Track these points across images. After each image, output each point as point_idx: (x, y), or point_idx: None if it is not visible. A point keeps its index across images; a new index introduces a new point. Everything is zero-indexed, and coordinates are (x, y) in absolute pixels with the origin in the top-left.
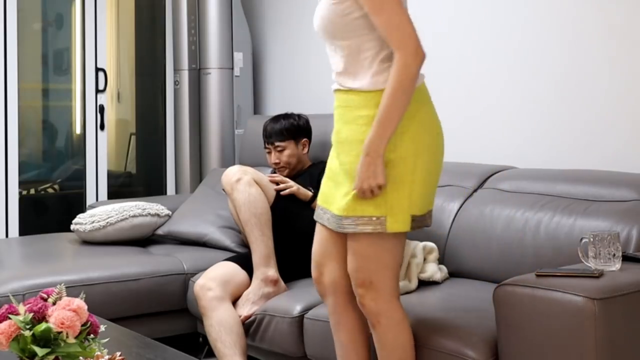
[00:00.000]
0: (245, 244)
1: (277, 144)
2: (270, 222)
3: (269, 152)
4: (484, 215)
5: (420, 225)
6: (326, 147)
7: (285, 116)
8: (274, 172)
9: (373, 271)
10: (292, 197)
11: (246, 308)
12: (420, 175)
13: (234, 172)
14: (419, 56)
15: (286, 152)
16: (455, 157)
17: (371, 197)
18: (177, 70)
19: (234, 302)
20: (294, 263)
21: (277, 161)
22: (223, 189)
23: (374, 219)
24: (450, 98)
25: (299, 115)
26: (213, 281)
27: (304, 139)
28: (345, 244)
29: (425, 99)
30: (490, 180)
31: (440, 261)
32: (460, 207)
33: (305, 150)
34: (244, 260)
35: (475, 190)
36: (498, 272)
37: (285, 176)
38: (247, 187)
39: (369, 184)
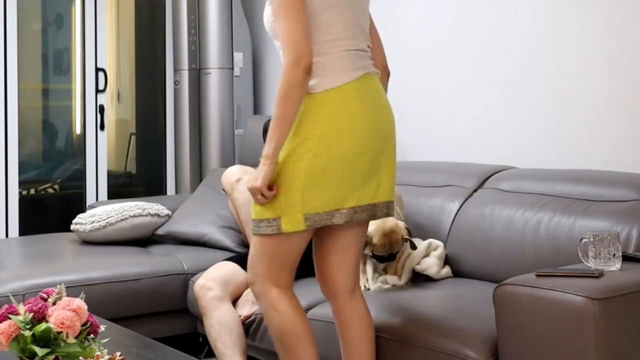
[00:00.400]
0: (245, 244)
1: None
2: None
3: None
4: (483, 216)
5: (323, 223)
6: None
7: None
8: None
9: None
10: None
11: (246, 308)
12: (312, 176)
13: (234, 172)
14: (300, 65)
15: None
16: (455, 157)
17: (262, 200)
18: (177, 70)
19: (234, 302)
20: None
21: None
22: (223, 189)
23: (271, 220)
24: (451, 98)
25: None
26: (213, 281)
27: None
28: (318, 243)
29: (327, 103)
30: (490, 180)
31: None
32: (460, 207)
33: None
34: (244, 260)
35: (475, 190)
36: (498, 272)
37: None
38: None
39: (251, 186)
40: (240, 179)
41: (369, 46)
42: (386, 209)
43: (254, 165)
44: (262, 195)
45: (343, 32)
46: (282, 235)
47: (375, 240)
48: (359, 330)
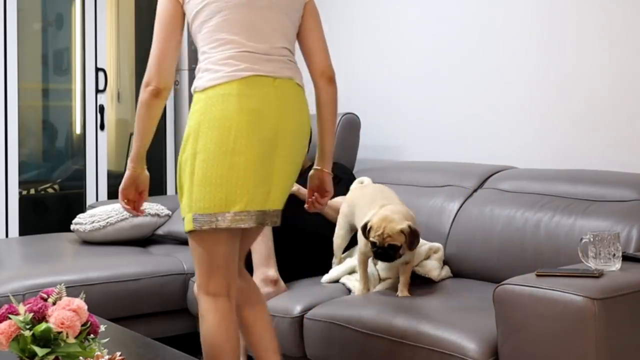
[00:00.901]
0: None
1: None
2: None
3: None
4: (484, 215)
5: (209, 226)
6: None
7: None
8: None
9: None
10: (292, 197)
11: None
12: (197, 176)
13: None
14: (147, 89)
15: None
16: (455, 157)
17: (125, 206)
18: (177, 70)
19: None
20: (293, 263)
21: None
22: None
23: (183, 219)
24: (450, 97)
25: None
26: None
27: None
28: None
29: (204, 100)
30: (490, 180)
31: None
32: (460, 207)
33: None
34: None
35: (475, 190)
36: (498, 271)
37: None
38: None
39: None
40: None
41: (285, 48)
42: (276, 218)
43: None
44: (127, 200)
45: (230, 36)
46: (197, 235)
47: (372, 222)
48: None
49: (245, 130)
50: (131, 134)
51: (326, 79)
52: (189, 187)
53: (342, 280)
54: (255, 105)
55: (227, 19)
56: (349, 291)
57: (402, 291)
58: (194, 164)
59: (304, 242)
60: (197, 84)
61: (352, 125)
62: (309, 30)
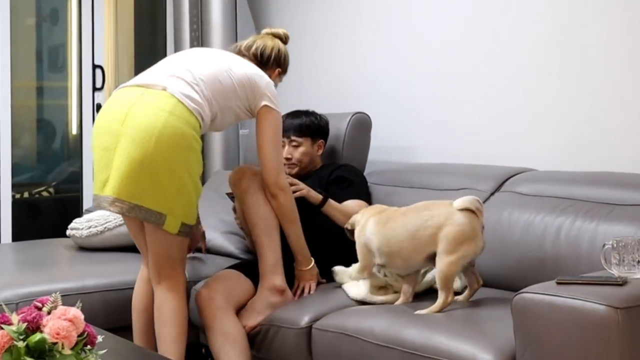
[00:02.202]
0: (250, 251)
1: (293, 138)
2: (278, 228)
3: (282, 146)
4: (501, 220)
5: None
6: (335, 147)
7: (307, 113)
8: None
9: None
10: (302, 200)
11: (251, 318)
12: None
13: (250, 177)
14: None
15: (300, 149)
16: (470, 159)
17: None
18: None
19: (238, 312)
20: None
21: (289, 156)
22: (227, 194)
23: None
24: (466, 96)
25: (320, 115)
26: (216, 290)
27: (321, 140)
28: None
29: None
30: (508, 183)
31: None
32: None
33: (320, 151)
34: (249, 267)
35: (492, 194)
36: (516, 279)
37: (295, 174)
38: (254, 191)
39: None
40: (249, 183)
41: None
42: (109, 205)
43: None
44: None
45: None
46: None
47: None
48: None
49: (98, 124)
50: None
51: (269, 195)
52: None
53: (368, 298)
54: (118, 102)
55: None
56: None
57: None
58: None
59: (313, 249)
60: None
61: (362, 124)
62: (257, 141)
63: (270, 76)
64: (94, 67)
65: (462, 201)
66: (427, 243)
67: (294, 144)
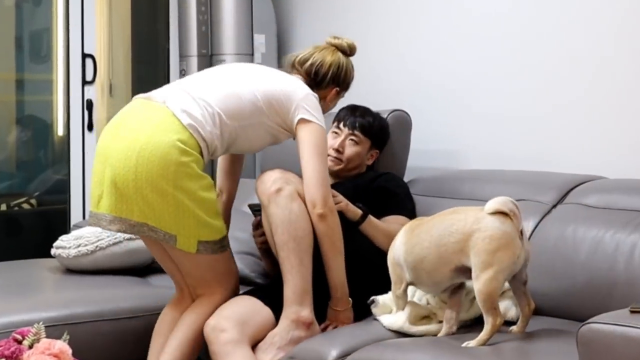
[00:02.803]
0: (267, 274)
1: (356, 133)
2: (311, 249)
3: (336, 134)
4: (565, 237)
5: None
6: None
7: (379, 116)
8: None
9: None
10: (339, 215)
11: (270, 354)
12: None
13: (273, 180)
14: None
15: (356, 148)
16: (528, 165)
17: None
18: (183, 56)
19: (254, 347)
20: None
21: (340, 148)
22: (250, 206)
23: None
24: (522, 91)
25: (388, 126)
26: (228, 320)
27: (377, 150)
28: None
29: None
30: (573, 194)
31: None
32: (536, 226)
33: (370, 161)
34: (269, 293)
35: (554, 206)
36: (583, 307)
37: (337, 171)
38: (288, 202)
39: None
40: (281, 190)
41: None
42: (109, 224)
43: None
44: None
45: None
46: None
47: None
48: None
49: (99, 139)
50: None
51: (315, 216)
52: None
53: (406, 328)
54: (114, 117)
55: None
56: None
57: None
58: None
59: (349, 273)
60: None
61: (401, 124)
62: (300, 158)
63: (324, 97)
64: (84, 56)
65: (492, 203)
66: (454, 252)
67: (353, 138)
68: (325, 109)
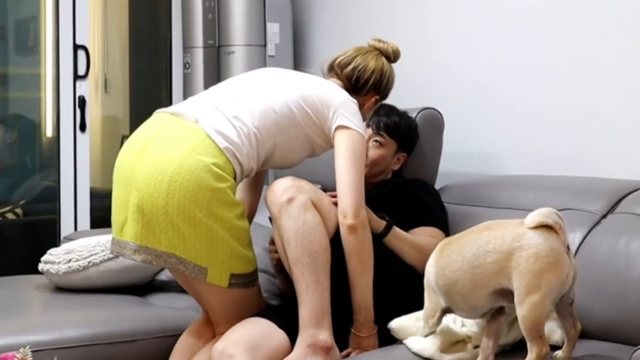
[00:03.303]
0: (282, 293)
1: (381, 133)
2: (328, 265)
3: None
4: (616, 251)
5: None
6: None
7: (406, 115)
8: (324, 190)
9: None
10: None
11: None
12: None
13: (284, 188)
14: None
15: (381, 151)
16: (574, 170)
17: None
18: (187, 48)
19: None
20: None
21: None
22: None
23: None
24: (567, 87)
25: (417, 127)
26: (237, 346)
27: (404, 154)
28: None
29: None
30: (626, 202)
31: None
32: (584, 239)
33: (396, 166)
34: (284, 315)
35: (604, 216)
36: (636, 329)
37: None
38: (301, 212)
39: None
40: (293, 199)
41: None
42: (133, 254)
43: (310, 177)
44: None
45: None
46: None
47: None
48: None
49: (118, 156)
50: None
51: (345, 227)
52: None
53: (437, 356)
54: (135, 133)
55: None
56: None
57: None
58: None
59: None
60: None
61: (432, 124)
62: (335, 166)
63: (362, 105)
64: (76, 47)
65: (534, 215)
66: (492, 274)
67: (377, 140)
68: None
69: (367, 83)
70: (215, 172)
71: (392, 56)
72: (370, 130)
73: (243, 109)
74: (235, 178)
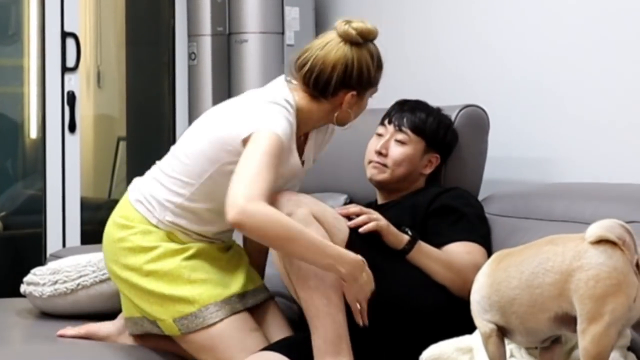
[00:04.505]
0: (302, 322)
1: (404, 130)
2: (340, 282)
3: (380, 135)
4: None
5: None
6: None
7: (436, 112)
8: (350, 201)
9: None
10: (376, 238)
11: None
12: None
13: (281, 203)
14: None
15: (403, 149)
16: (636, 175)
17: None
18: (193, 36)
19: None
20: (376, 347)
21: (383, 150)
22: None
23: None
24: (630, 85)
25: (450, 124)
26: None
27: (436, 155)
28: None
29: None
30: None
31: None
32: None
33: (427, 169)
34: (296, 346)
35: None
36: None
37: (384, 182)
38: (304, 219)
39: None
40: (291, 214)
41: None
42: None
43: (316, 187)
44: None
45: None
46: None
47: None
48: None
49: None
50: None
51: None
52: None
53: None
54: None
55: None
56: None
57: None
58: None
59: (393, 313)
60: None
61: (475, 124)
62: None
63: (338, 107)
64: (64, 35)
65: (594, 228)
66: (551, 297)
67: (399, 138)
68: (344, 120)
69: (329, 83)
70: (118, 222)
71: (359, 38)
72: (391, 128)
73: (172, 159)
74: (151, 224)
